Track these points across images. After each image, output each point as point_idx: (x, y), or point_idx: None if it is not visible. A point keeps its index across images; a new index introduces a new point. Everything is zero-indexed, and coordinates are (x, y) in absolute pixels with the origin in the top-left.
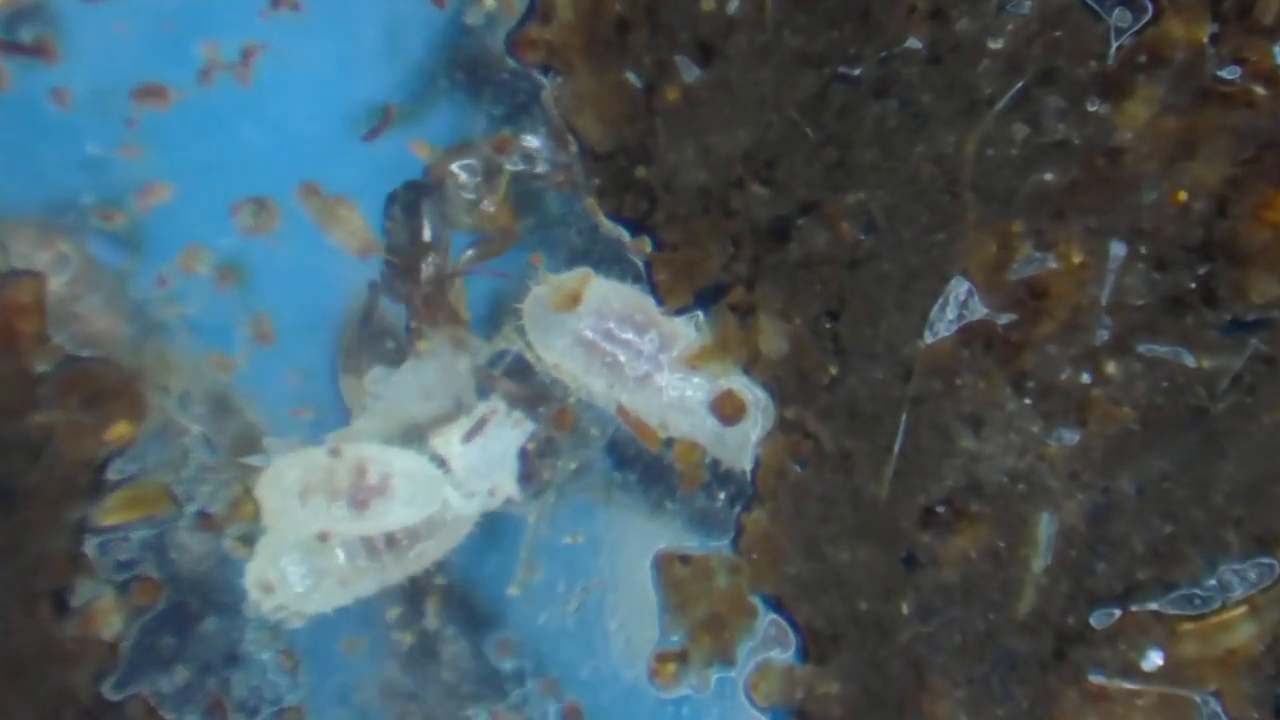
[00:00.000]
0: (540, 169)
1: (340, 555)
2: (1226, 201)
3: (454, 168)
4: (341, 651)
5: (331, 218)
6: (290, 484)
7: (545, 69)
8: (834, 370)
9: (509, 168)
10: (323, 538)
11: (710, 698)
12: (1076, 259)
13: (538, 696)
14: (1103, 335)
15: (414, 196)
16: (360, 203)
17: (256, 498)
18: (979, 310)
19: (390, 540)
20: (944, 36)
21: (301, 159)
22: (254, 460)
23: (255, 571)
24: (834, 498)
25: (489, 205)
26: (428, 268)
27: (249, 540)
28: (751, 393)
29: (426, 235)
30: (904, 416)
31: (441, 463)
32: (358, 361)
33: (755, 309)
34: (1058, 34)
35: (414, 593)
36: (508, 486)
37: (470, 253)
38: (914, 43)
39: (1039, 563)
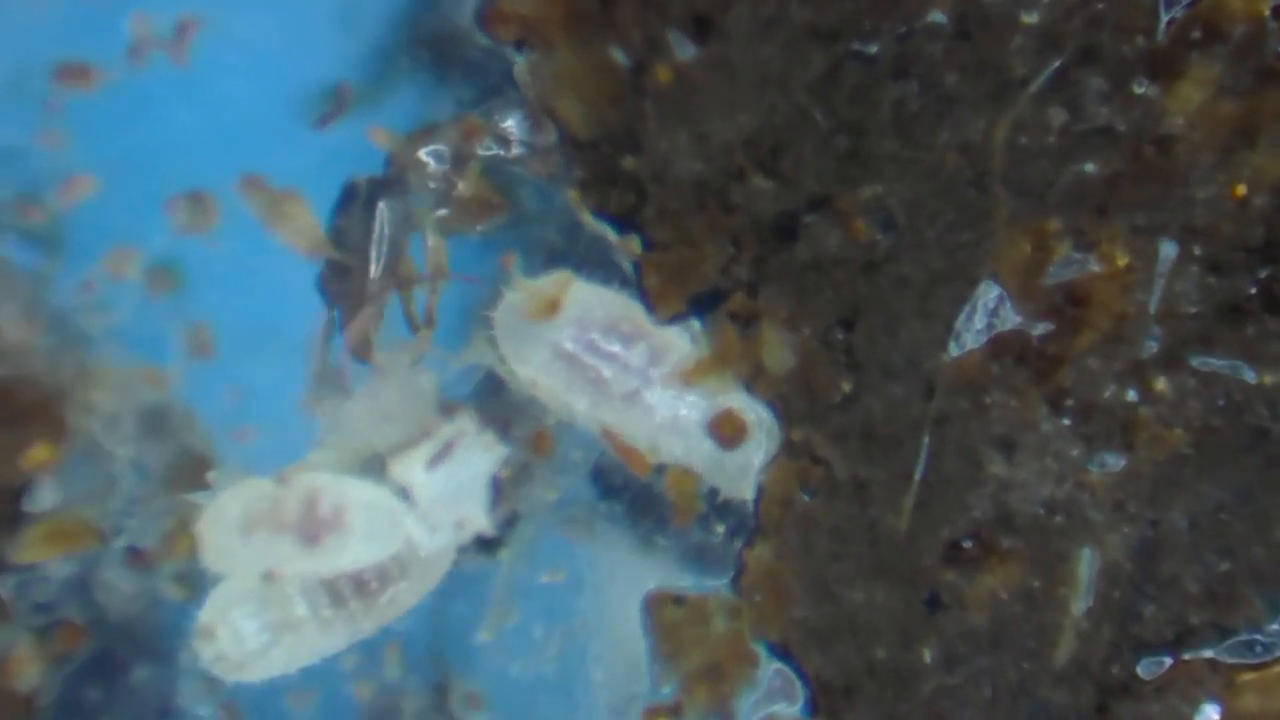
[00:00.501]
0: (514, 158)
1: (301, 605)
2: None
3: (420, 155)
4: (289, 707)
5: (278, 214)
6: (232, 517)
7: (520, 45)
8: (847, 387)
9: (481, 152)
10: (269, 578)
11: None
12: (1121, 261)
13: None
14: (1151, 347)
15: (372, 192)
16: (310, 197)
17: (194, 532)
18: (1011, 319)
19: (358, 584)
20: (971, 9)
21: (244, 148)
22: (198, 497)
23: (204, 623)
24: (847, 531)
25: (463, 188)
26: (376, 272)
27: (185, 580)
28: (754, 412)
29: (380, 234)
30: (926, 439)
31: (403, 492)
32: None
33: (758, 317)
34: (1100, 6)
35: (372, 640)
36: (478, 519)
37: (440, 213)
38: (938, 16)
39: (1079, 605)
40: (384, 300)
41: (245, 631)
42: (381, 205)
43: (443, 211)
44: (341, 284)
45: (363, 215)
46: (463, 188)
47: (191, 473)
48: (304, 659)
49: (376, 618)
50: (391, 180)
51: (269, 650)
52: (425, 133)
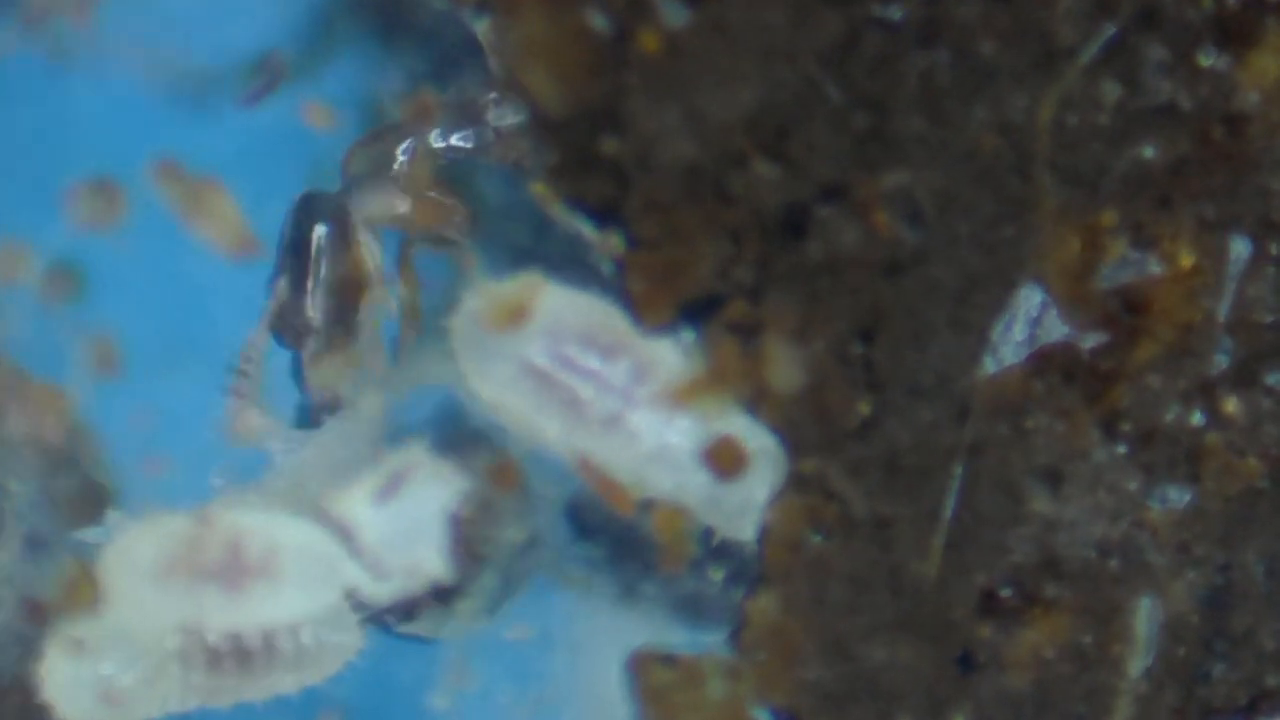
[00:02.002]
0: (475, 142)
1: (175, 666)
2: None
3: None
4: None
5: (196, 206)
6: (143, 561)
7: (481, 7)
8: (866, 410)
9: (436, 142)
10: (187, 633)
11: None
12: (1186, 261)
13: None
14: (1221, 362)
15: (315, 207)
16: (234, 187)
17: (98, 579)
18: (1057, 329)
19: (241, 654)
20: None
21: (156, 129)
22: (91, 536)
23: (53, 673)
24: (866, 579)
25: (418, 188)
26: (312, 301)
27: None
28: (756, 440)
29: (319, 253)
30: (958, 471)
31: (345, 533)
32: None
33: (762, 328)
34: None
35: (305, 706)
36: (432, 564)
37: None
38: None
39: (1137, 664)
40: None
41: (98, 673)
42: (321, 231)
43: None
44: (296, 328)
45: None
46: (411, 187)
47: (96, 509)
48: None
49: (242, 695)
50: (344, 190)
51: (107, 703)
52: (378, 135)
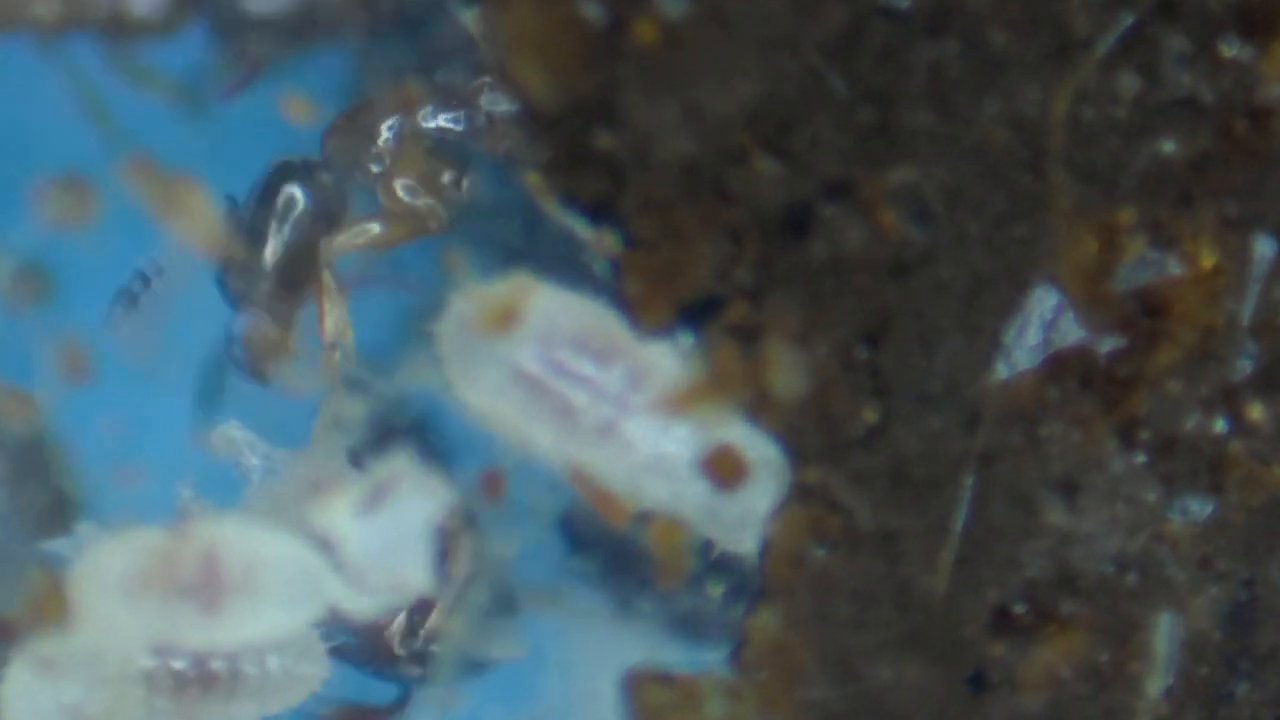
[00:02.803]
0: (463, 136)
1: (140, 690)
2: None
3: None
4: None
5: (170, 204)
6: (114, 576)
7: None
8: (872, 417)
9: (423, 126)
10: (155, 655)
11: None
12: (1208, 261)
13: None
14: (1244, 367)
15: (284, 178)
16: (210, 184)
17: (67, 595)
18: (1073, 333)
19: (206, 680)
20: None
21: (129, 123)
22: (59, 547)
23: (13, 694)
24: (872, 594)
25: (405, 188)
26: (275, 277)
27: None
28: (757, 449)
29: (286, 234)
30: (969, 481)
31: (326, 544)
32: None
33: (763, 331)
34: None
35: None
36: (417, 579)
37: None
38: None
39: (1156, 683)
40: (289, 311)
41: (62, 698)
42: (294, 193)
43: (373, 228)
44: (245, 285)
45: (270, 206)
46: (399, 169)
47: (64, 520)
48: None
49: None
50: (320, 166)
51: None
52: (360, 110)
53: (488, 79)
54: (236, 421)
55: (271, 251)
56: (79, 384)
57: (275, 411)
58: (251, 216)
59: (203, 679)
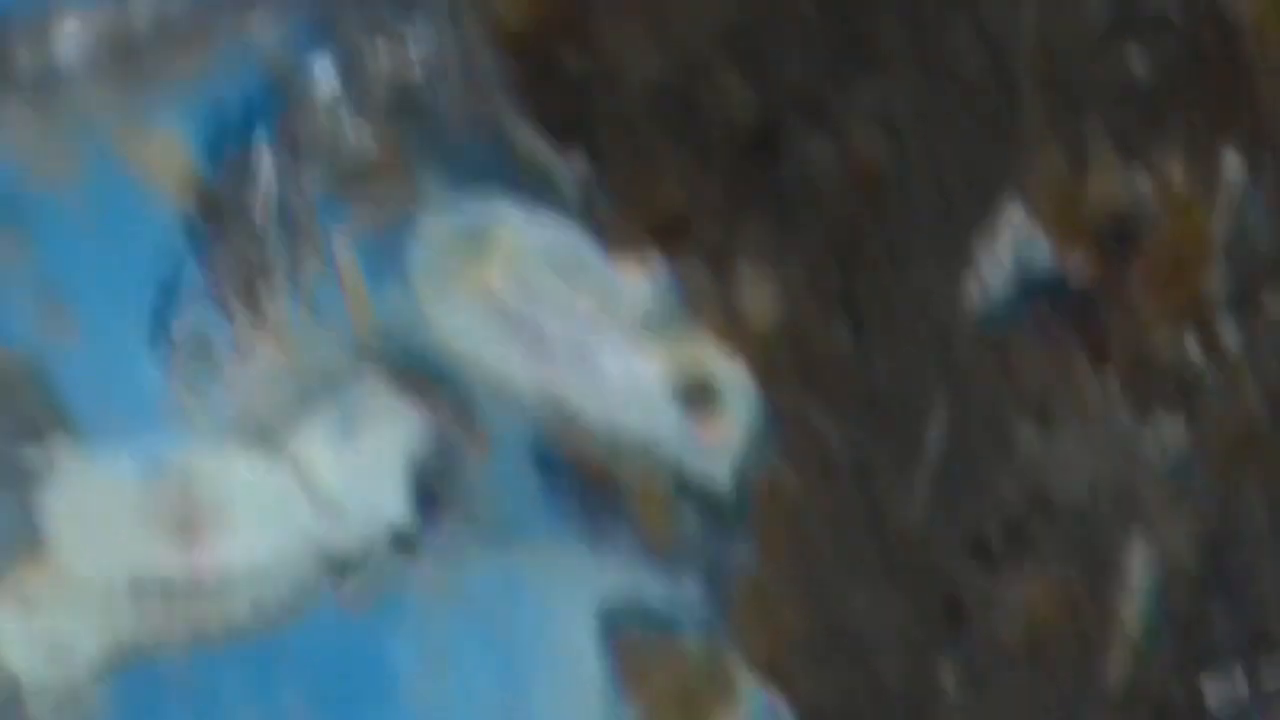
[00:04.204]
0: (426, 56)
1: (127, 604)
2: None
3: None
4: None
5: (143, 148)
6: (88, 503)
7: None
8: (845, 340)
9: (383, 59)
10: (133, 585)
11: None
12: (1179, 180)
13: None
14: (1218, 287)
15: (248, 118)
16: (178, 124)
17: (44, 528)
18: (1044, 253)
19: (194, 583)
20: None
21: None
22: (32, 459)
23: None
24: (846, 522)
25: (359, 129)
26: (259, 212)
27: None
28: (730, 374)
29: (264, 175)
30: (943, 406)
31: (301, 473)
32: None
33: (734, 253)
34: None
35: (262, 660)
36: (392, 509)
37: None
38: None
39: (1132, 609)
40: (266, 245)
41: (45, 626)
42: (265, 128)
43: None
44: (215, 222)
45: (242, 142)
46: (356, 126)
47: (38, 435)
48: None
49: (195, 629)
50: (276, 99)
51: (57, 655)
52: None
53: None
54: (199, 313)
55: (259, 193)
56: (54, 318)
57: None
58: (233, 168)
59: (195, 589)
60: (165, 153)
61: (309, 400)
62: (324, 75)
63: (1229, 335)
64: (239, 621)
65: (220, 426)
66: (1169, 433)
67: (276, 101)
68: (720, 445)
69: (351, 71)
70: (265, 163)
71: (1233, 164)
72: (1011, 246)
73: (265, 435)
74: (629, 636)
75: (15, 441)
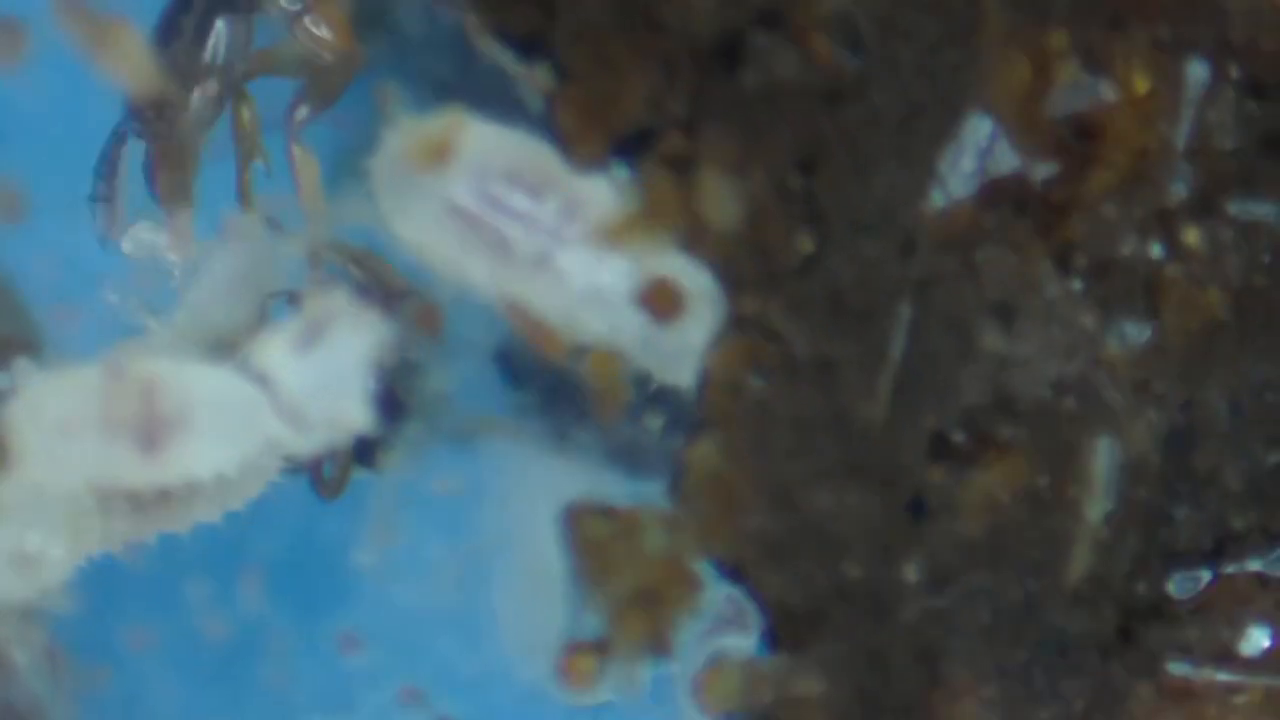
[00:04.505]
0: None
1: (94, 517)
2: None
3: None
4: (124, 647)
5: (103, 43)
6: (51, 415)
7: None
8: (808, 246)
9: None
10: (99, 494)
11: (642, 703)
12: (1141, 86)
13: (399, 707)
14: (1179, 191)
15: (209, 6)
16: (142, 24)
17: (4, 432)
18: (1008, 159)
19: (161, 492)
20: None
21: None
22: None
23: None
24: (810, 423)
25: (317, 22)
26: (201, 105)
27: None
28: (693, 279)
29: (211, 58)
30: (906, 308)
31: (263, 382)
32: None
33: (697, 161)
34: None
35: (225, 564)
36: (355, 414)
37: (301, 107)
38: None
39: (1096, 508)
40: (201, 140)
41: (10, 539)
42: (219, 24)
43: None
44: (158, 117)
45: (194, 34)
46: (313, 21)
47: (2, 357)
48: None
49: (163, 526)
50: None
51: (23, 568)
52: None
53: None
54: (147, 223)
55: (204, 89)
56: (14, 222)
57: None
58: (180, 48)
59: (159, 495)
60: (127, 45)
61: (268, 310)
62: None
63: (1191, 237)
64: (203, 523)
65: (180, 338)
66: (1132, 333)
67: None
68: (684, 348)
69: None
70: (220, 45)
71: (1196, 70)
72: (974, 152)
73: (225, 345)
74: (594, 535)
75: None
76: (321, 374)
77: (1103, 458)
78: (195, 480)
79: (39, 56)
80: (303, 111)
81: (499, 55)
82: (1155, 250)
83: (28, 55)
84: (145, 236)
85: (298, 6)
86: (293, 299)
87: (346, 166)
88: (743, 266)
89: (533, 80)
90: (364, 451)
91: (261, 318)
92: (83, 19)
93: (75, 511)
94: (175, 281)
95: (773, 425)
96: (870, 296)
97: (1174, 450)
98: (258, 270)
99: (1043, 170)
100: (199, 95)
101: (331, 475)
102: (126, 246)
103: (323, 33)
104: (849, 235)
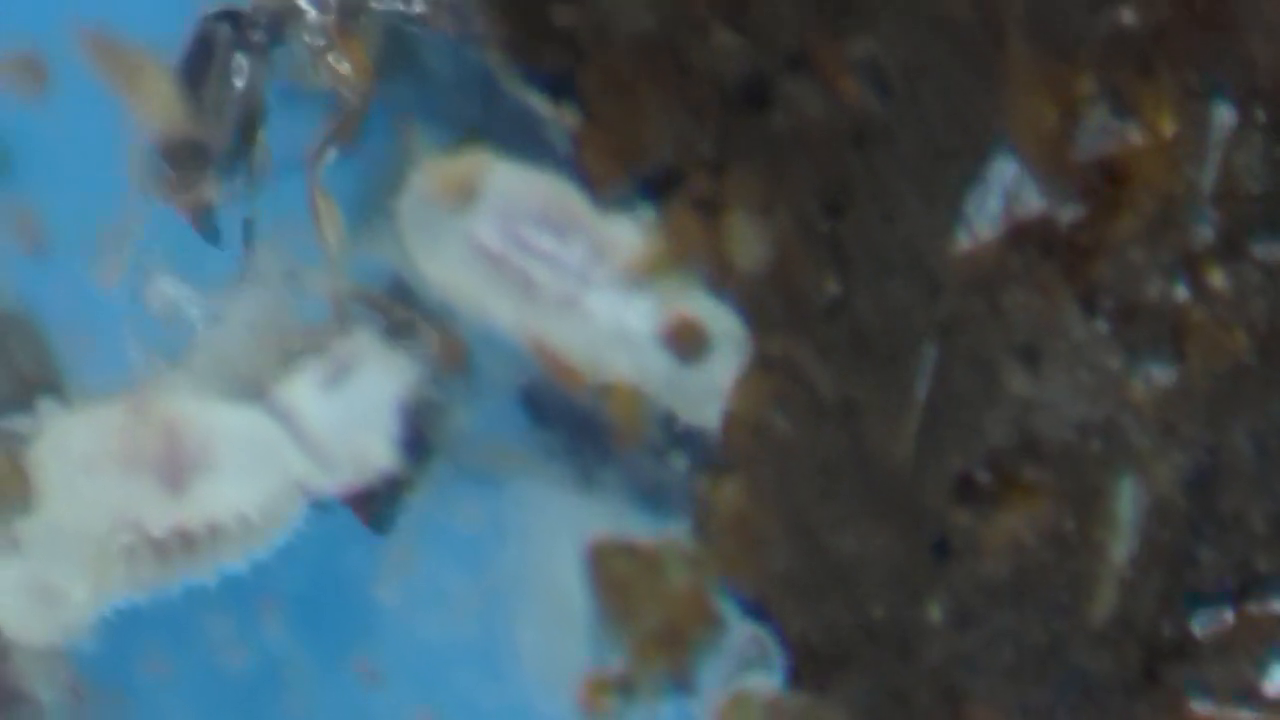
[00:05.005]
0: (419, 7)
1: (120, 564)
2: None
3: (298, 1)
4: (143, 682)
5: (127, 78)
6: (75, 452)
7: None
8: (834, 287)
9: (374, 3)
10: (120, 530)
11: None
12: (1168, 129)
13: None
14: (1205, 234)
15: (225, 38)
16: (167, 56)
17: (29, 470)
18: (1034, 202)
19: (186, 539)
20: None
21: None
22: (20, 425)
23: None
24: (835, 464)
25: (341, 59)
26: (227, 141)
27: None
28: (719, 319)
29: (231, 97)
30: (931, 350)
31: (288, 422)
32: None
33: (724, 202)
34: None
35: (246, 597)
36: (381, 453)
37: (323, 146)
38: None
39: (1120, 549)
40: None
41: (33, 575)
42: (242, 60)
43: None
44: (189, 153)
45: (219, 72)
46: (337, 57)
47: (26, 395)
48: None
49: (188, 575)
50: (255, 25)
51: (45, 604)
52: None
53: None
54: (169, 277)
55: (226, 128)
56: (34, 256)
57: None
58: (205, 82)
59: (183, 540)
60: (153, 81)
61: (293, 353)
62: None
63: (1217, 279)
64: (228, 568)
65: (204, 381)
66: (1158, 375)
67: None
68: (709, 388)
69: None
70: (242, 82)
71: (1223, 113)
72: (1000, 194)
73: (250, 388)
74: (617, 573)
75: (9, 395)
76: (347, 413)
77: (1127, 499)
78: (218, 519)
79: (61, 89)
80: (324, 151)
81: (526, 96)
82: (1181, 292)
83: (50, 88)
84: (167, 291)
85: (322, 42)
86: (316, 340)
87: (373, 206)
88: (768, 307)
89: (559, 121)
90: (389, 488)
91: (284, 361)
92: (110, 56)
93: (100, 554)
94: (198, 335)
95: (797, 466)
96: (896, 338)
97: (1199, 492)
98: (278, 314)
99: (1069, 213)
100: (222, 132)
101: (380, 508)
102: (150, 302)
103: (344, 69)
104: (875, 277)
